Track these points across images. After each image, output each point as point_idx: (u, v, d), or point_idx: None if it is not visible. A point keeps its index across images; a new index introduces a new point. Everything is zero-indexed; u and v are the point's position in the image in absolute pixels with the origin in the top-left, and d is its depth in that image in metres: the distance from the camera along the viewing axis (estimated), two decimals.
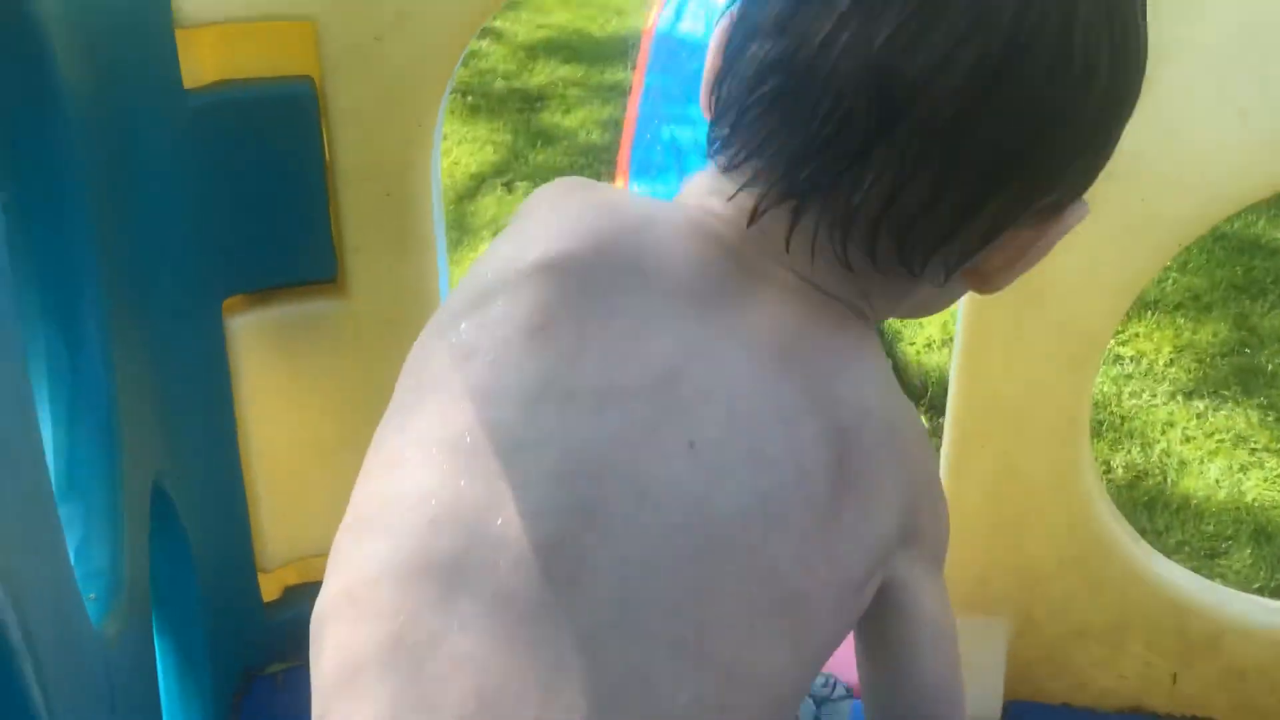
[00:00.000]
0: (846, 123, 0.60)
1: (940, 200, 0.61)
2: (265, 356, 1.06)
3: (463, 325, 0.65)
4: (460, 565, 0.57)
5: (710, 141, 0.68)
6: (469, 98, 4.12)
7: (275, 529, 1.14)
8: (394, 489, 0.63)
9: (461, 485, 0.59)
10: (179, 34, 0.93)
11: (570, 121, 3.92)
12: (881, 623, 0.69)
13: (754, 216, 0.64)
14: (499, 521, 0.57)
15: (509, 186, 3.56)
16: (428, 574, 0.58)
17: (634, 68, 4.37)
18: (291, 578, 1.20)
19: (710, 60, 0.68)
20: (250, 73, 0.99)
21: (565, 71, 4.28)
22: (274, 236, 1.02)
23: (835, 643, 0.65)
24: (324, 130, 1.02)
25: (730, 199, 0.65)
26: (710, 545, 0.58)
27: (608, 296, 0.63)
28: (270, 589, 1.19)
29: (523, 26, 4.71)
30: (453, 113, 3.99)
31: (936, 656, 0.70)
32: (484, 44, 4.53)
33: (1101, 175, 0.65)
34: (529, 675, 0.55)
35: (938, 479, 0.73)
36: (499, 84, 4.22)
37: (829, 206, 0.63)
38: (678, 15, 4.76)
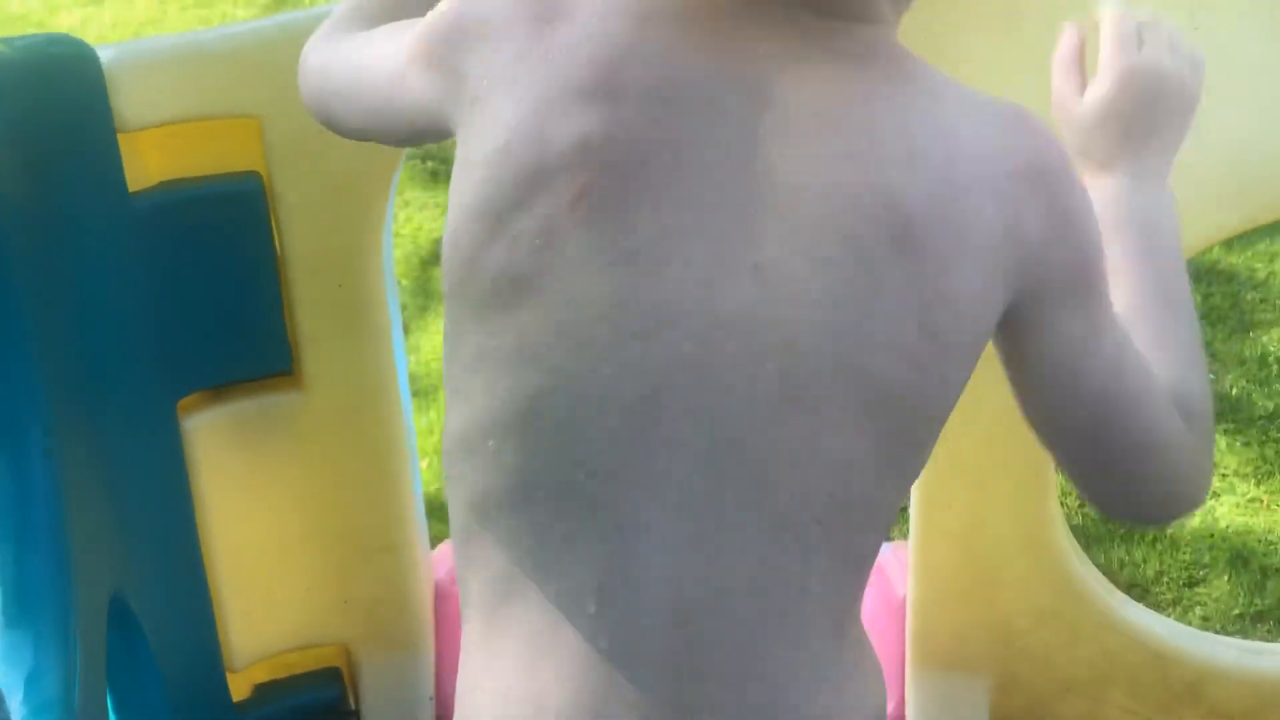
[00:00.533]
0: None
1: None
2: (224, 453, 1.05)
3: (503, 229, 0.64)
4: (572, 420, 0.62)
5: None
6: (429, 163, 4.11)
7: (242, 628, 1.12)
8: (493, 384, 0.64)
9: (557, 362, 0.62)
10: (122, 138, 0.92)
11: None
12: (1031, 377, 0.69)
13: None
14: (602, 379, 0.61)
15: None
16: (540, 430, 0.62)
17: None
18: (261, 675, 1.19)
19: None
20: (196, 171, 0.99)
21: None
22: (228, 332, 1.02)
23: (940, 425, 0.68)
24: (274, 224, 1.02)
25: None
26: (795, 360, 0.61)
27: (631, 137, 0.62)
28: (240, 688, 1.17)
29: None
30: (414, 179, 3.98)
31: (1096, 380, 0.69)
32: None
33: None
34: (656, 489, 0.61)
35: (1053, 184, 0.67)
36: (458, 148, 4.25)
37: None
38: None
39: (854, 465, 0.63)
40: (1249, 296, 3.17)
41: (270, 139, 0.97)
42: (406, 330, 1.79)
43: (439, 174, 4.11)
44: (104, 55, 0.91)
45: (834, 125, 0.63)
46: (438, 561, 1.30)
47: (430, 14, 0.70)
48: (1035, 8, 0.94)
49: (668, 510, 0.62)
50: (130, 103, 0.93)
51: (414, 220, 3.74)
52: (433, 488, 2.48)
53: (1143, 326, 0.75)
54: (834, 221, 0.61)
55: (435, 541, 1.53)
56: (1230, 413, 2.78)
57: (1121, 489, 0.73)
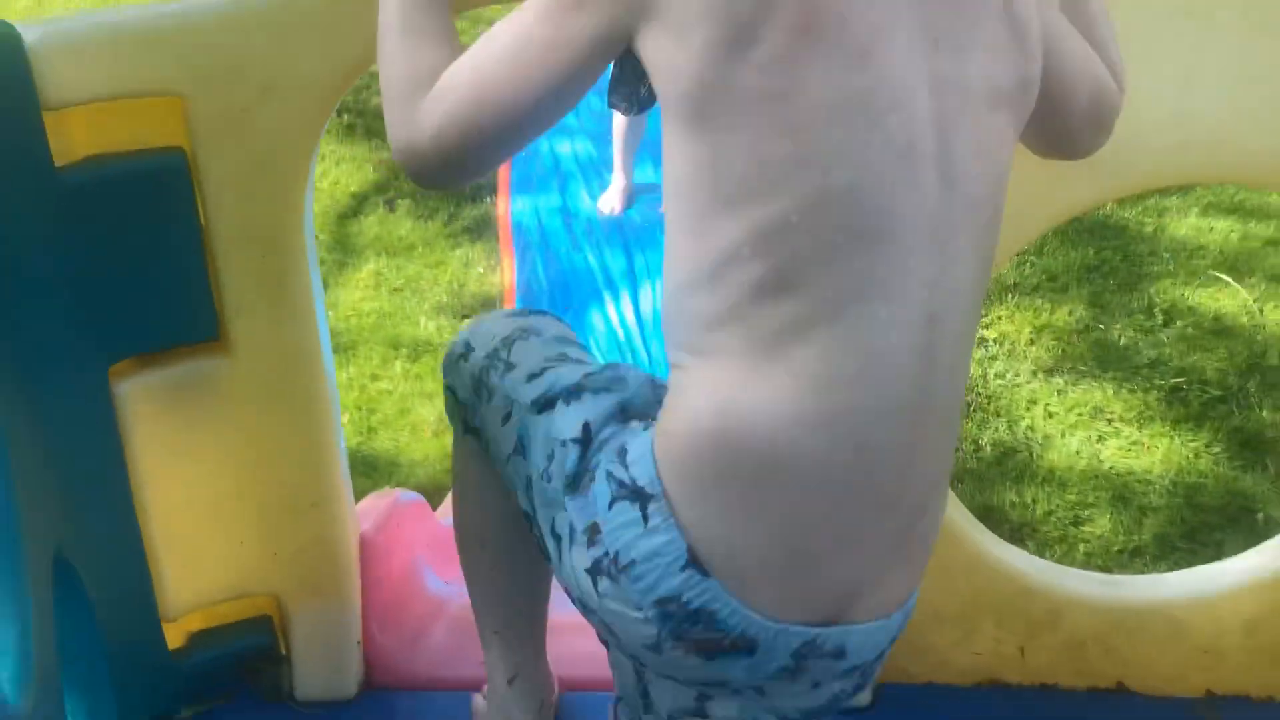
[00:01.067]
0: None
1: None
2: (156, 417, 1.10)
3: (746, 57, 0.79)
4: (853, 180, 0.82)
5: None
6: (345, 116, 4.09)
7: (177, 580, 1.17)
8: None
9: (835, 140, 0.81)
10: (47, 115, 0.96)
11: None
12: None
13: None
14: (874, 145, 0.81)
15: (390, 205, 3.56)
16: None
17: None
18: (196, 624, 1.24)
19: None
20: (121, 146, 1.02)
21: None
22: (156, 302, 1.06)
23: None
24: (198, 198, 1.06)
25: None
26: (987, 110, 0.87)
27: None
28: (175, 636, 1.22)
29: None
30: (330, 133, 3.96)
31: None
32: None
33: None
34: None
35: None
36: (375, 101, 4.19)
37: None
38: None
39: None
40: (1138, 249, 3.32)
41: (193, 116, 1.01)
42: (325, 286, 1.84)
43: (355, 127, 4.10)
44: (28, 35, 0.94)
45: None
46: (361, 514, 1.36)
47: None
48: None
49: (922, 235, 0.84)
50: (55, 81, 0.96)
51: (330, 174, 3.74)
52: (353, 442, 2.54)
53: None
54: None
55: (358, 496, 1.60)
56: (1117, 361, 2.92)
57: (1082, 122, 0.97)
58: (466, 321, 3.04)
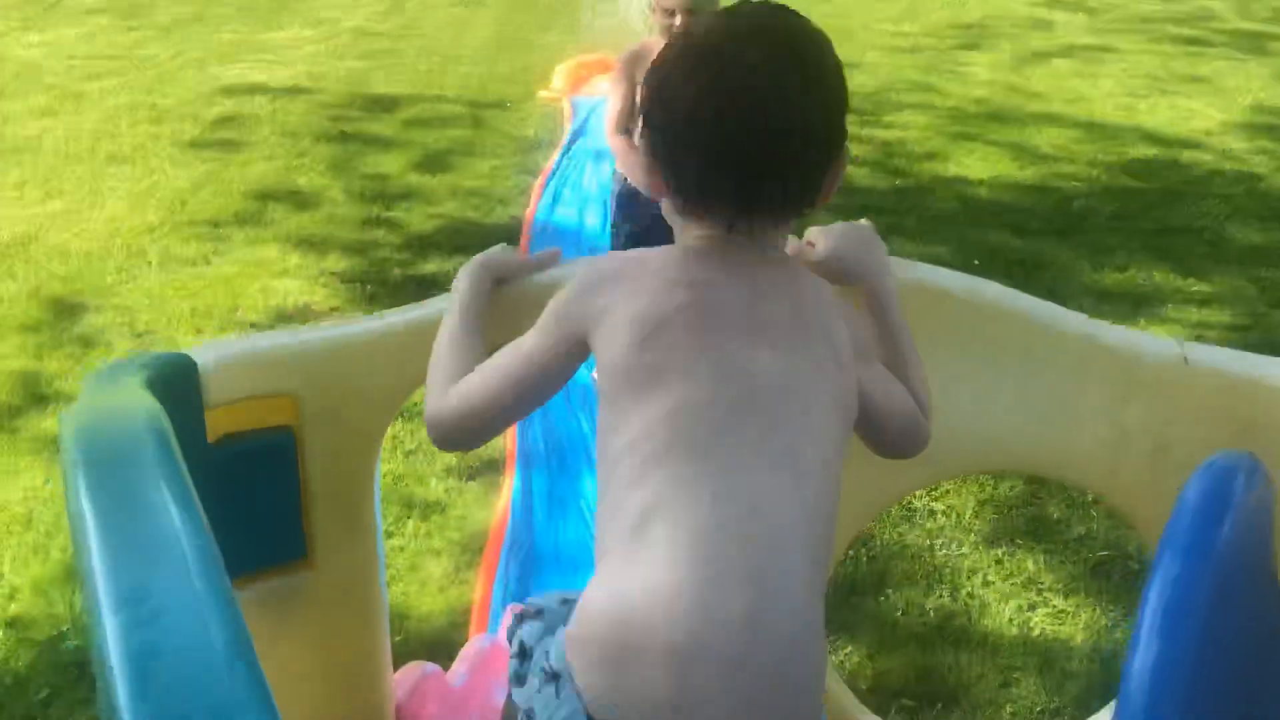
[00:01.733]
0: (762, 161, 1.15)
1: (810, 180, 1.19)
2: (257, 618, 1.49)
3: (641, 357, 1.16)
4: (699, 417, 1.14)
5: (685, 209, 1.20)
6: (368, 287, 4.51)
7: None
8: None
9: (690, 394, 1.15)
10: (207, 412, 1.39)
11: None
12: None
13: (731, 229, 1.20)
14: (716, 397, 1.14)
15: None
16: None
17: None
18: None
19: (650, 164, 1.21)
20: (250, 426, 1.45)
21: (456, 259, 4.61)
22: (266, 534, 1.47)
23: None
24: (300, 461, 1.49)
25: (719, 227, 1.21)
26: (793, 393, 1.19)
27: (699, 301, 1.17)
28: None
29: (415, 216, 5.16)
30: (351, 301, 4.40)
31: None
32: (379, 234, 4.98)
33: None
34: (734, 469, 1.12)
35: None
36: (395, 272, 4.62)
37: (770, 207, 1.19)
38: (554, 202, 5.32)
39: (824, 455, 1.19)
40: None
41: (303, 408, 1.45)
42: None
43: (376, 296, 4.47)
44: (199, 358, 1.38)
45: (783, 285, 1.20)
46: (397, 683, 1.75)
47: (555, 303, 1.25)
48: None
49: (747, 456, 1.11)
50: (214, 389, 1.40)
51: None
52: (397, 587, 2.86)
53: (905, 371, 1.35)
54: (796, 326, 1.19)
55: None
56: (1050, 535, 3.28)
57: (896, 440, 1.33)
58: (472, 484, 3.39)
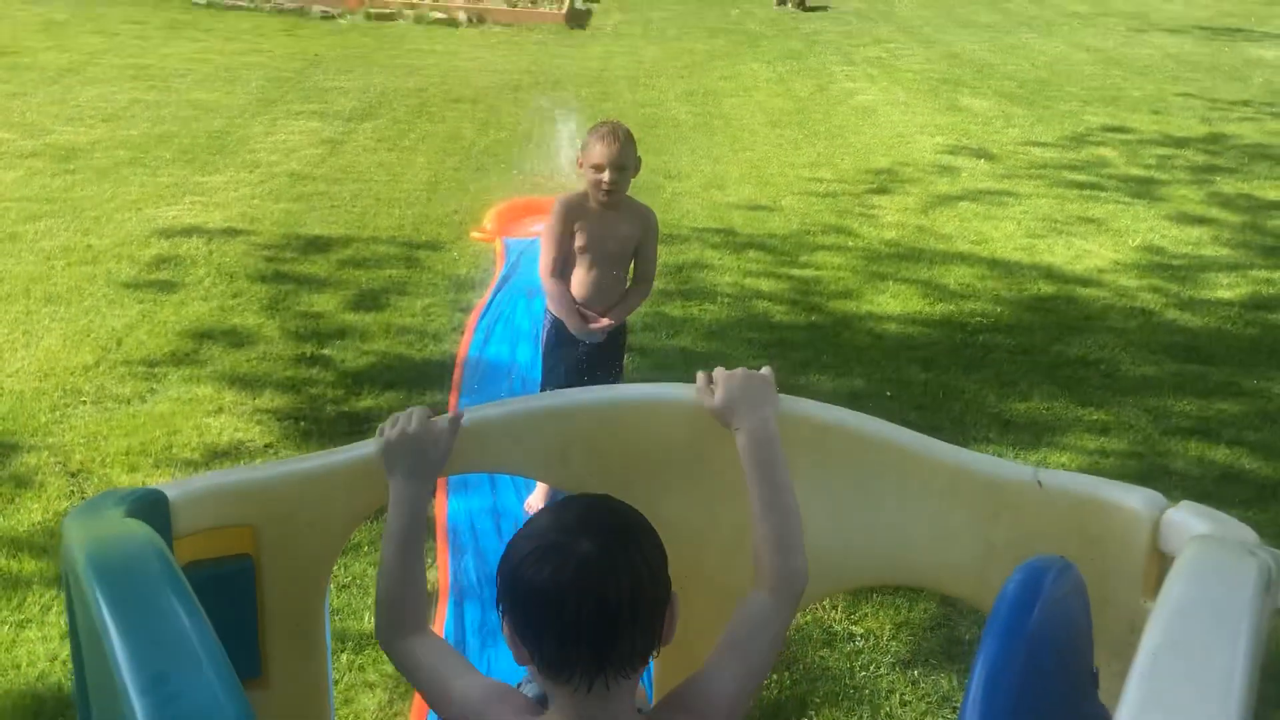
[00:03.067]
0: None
1: (651, 633, 1.38)
2: None
3: None
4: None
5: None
6: (302, 423, 4.60)
7: None
8: None
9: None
10: (175, 542, 1.52)
11: None
12: None
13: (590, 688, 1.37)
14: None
15: None
16: None
17: (450, 389, 4.99)
18: None
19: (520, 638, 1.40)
20: (211, 554, 1.58)
21: (388, 396, 4.77)
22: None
23: None
24: (258, 586, 1.62)
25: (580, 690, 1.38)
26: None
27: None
28: None
29: (349, 353, 5.29)
30: (286, 437, 4.49)
31: None
32: (314, 372, 5.09)
33: None
34: None
35: None
36: (329, 409, 4.70)
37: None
38: (487, 339, 5.51)
39: None
40: None
41: (260, 537, 1.59)
42: None
43: (311, 433, 4.56)
44: (169, 493, 1.52)
45: None
46: None
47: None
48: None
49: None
50: (180, 520, 1.54)
51: None
52: None
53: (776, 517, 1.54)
54: None
55: None
56: (963, 654, 3.41)
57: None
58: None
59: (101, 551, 1.16)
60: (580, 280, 3.89)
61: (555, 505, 1.46)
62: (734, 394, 1.62)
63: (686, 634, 1.69)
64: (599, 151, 3.71)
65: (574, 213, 3.84)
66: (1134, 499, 1.51)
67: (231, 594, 1.58)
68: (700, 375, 1.67)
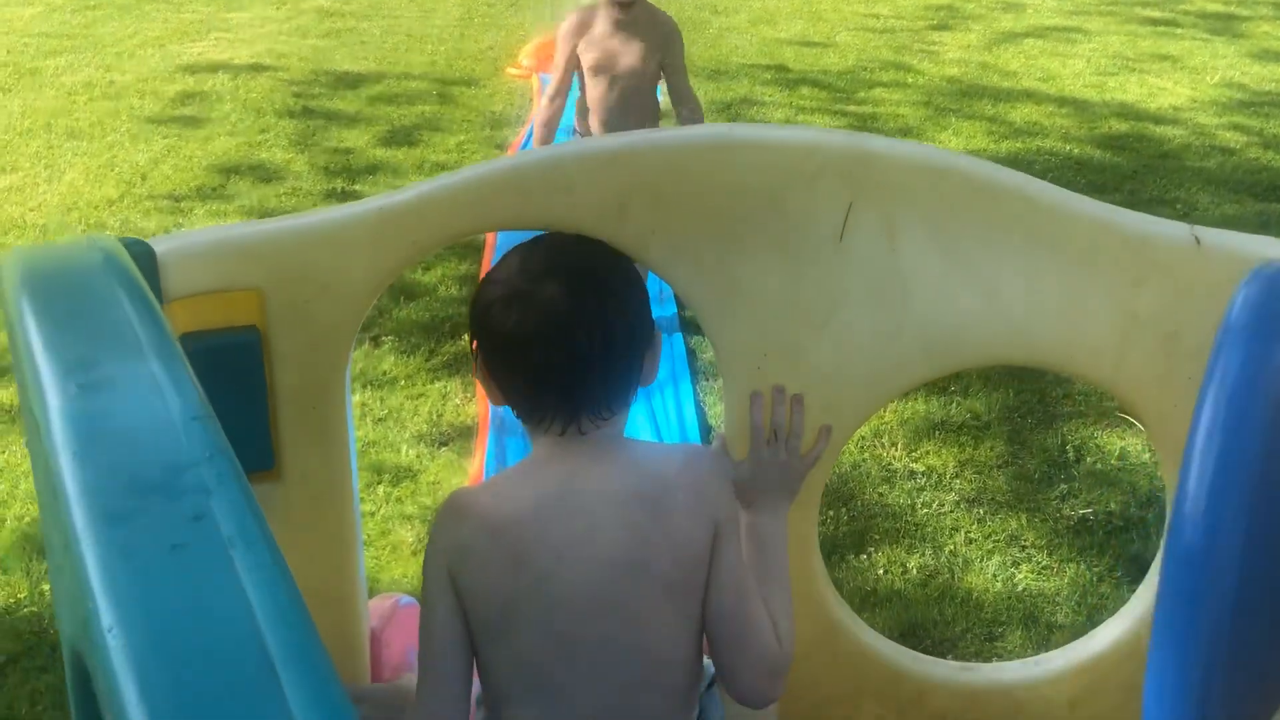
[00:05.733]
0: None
1: (624, 378, 1.30)
2: None
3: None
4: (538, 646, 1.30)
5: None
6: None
7: None
8: None
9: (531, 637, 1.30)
10: (165, 307, 1.30)
11: (429, 278, 4.23)
12: None
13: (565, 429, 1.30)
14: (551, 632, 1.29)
15: (375, 341, 3.85)
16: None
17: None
18: None
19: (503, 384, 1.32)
20: (213, 325, 1.36)
21: None
22: (231, 442, 1.38)
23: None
24: (267, 363, 1.40)
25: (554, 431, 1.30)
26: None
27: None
28: None
29: (380, 189, 5.05)
30: None
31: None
32: None
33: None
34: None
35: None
36: None
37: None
38: None
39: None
40: (1053, 392, 3.67)
41: (269, 305, 1.36)
42: None
43: None
44: (157, 247, 1.29)
45: (615, 471, 1.31)
46: (371, 611, 1.67)
47: (425, 568, 1.31)
48: None
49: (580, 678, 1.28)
50: (172, 280, 1.31)
51: None
52: (368, 552, 2.80)
53: (766, 590, 1.37)
54: (622, 508, 1.28)
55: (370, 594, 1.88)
56: (1031, 493, 3.25)
57: (730, 673, 1.33)
58: (444, 450, 3.33)
59: (42, 263, 0.92)
60: (598, 102, 3.60)
61: (525, 244, 1.37)
62: (764, 484, 1.50)
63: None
64: None
65: (582, 27, 3.53)
66: None
67: (236, 371, 1.37)
68: (719, 439, 1.56)
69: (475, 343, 1.34)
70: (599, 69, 3.55)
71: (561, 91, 3.66)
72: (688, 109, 3.69)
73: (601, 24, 3.52)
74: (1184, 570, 0.84)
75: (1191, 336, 1.29)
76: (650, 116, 3.70)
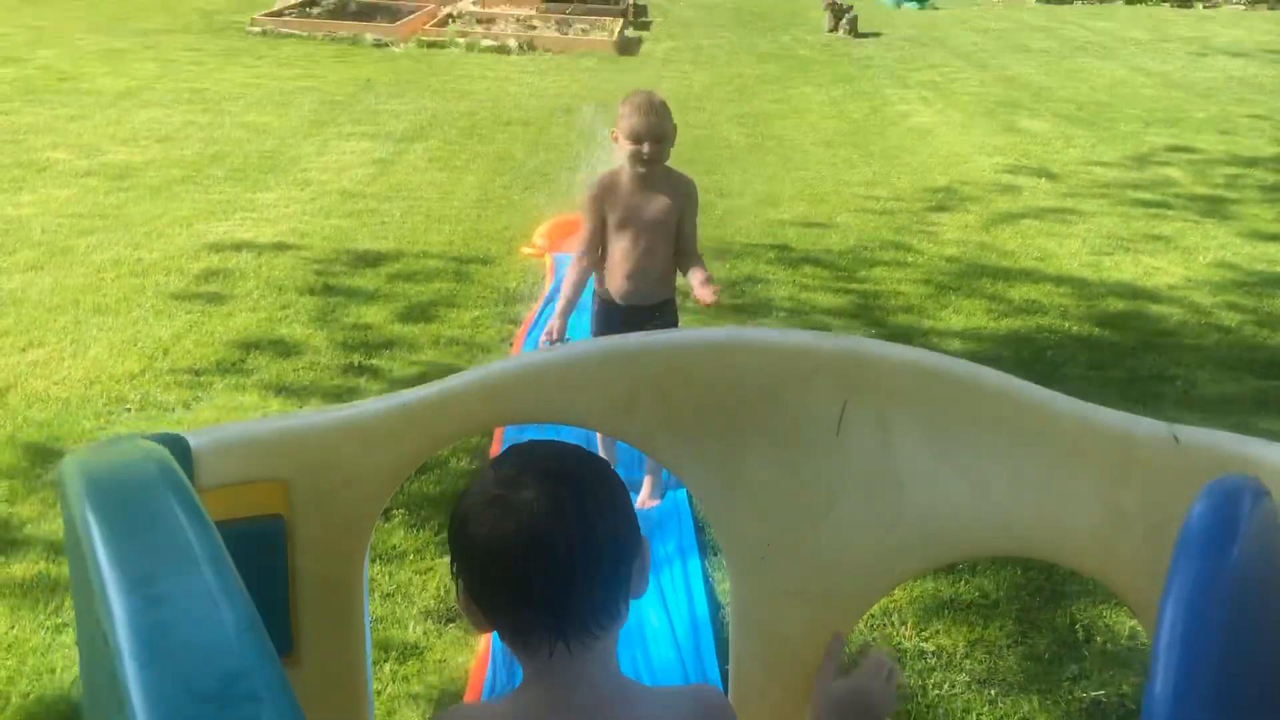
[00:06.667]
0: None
1: (611, 590, 1.25)
2: None
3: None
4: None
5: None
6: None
7: None
8: None
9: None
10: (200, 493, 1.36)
11: (441, 452, 4.30)
12: None
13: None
14: None
15: (386, 515, 3.88)
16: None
17: None
18: None
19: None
20: (240, 514, 1.43)
21: None
22: None
23: None
24: (290, 550, 1.46)
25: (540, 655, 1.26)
26: None
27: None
28: None
29: (397, 363, 5.18)
30: None
31: None
32: (361, 381, 4.98)
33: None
34: None
35: None
36: None
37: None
38: (535, 350, 5.38)
39: None
40: (1060, 570, 3.67)
41: (293, 495, 1.43)
42: None
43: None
44: (192, 441, 1.37)
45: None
46: None
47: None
48: None
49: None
50: (204, 472, 1.38)
51: None
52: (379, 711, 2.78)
53: None
54: None
55: None
56: (1043, 674, 3.23)
57: None
58: (451, 626, 3.33)
59: (102, 474, 0.99)
60: (620, 257, 3.77)
61: (497, 457, 1.34)
62: (844, 711, 1.48)
63: (771, 612, 1.51)
64: (637, 123, 3.59)
65: (607, 189, 3.73)
66: None
67: (261, 557, 1.42)
68: (832, 652, 1.52)
69: (454, 568, 1.31)
70: (625, 223, 3.73)
71: (591, 250, 3.82)
72: (698, 262, 3.85)
73: (626, 183, 3.71)
74: None
75: (1175, 529, 1.35)
76: (671, 268, 3.87)
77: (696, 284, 3.74)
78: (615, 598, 1.27)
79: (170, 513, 0.87)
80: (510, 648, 1.28)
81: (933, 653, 3.30)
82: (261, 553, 1.43)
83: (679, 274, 3.93)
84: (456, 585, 1.30)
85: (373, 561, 3.63)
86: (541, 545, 1.21)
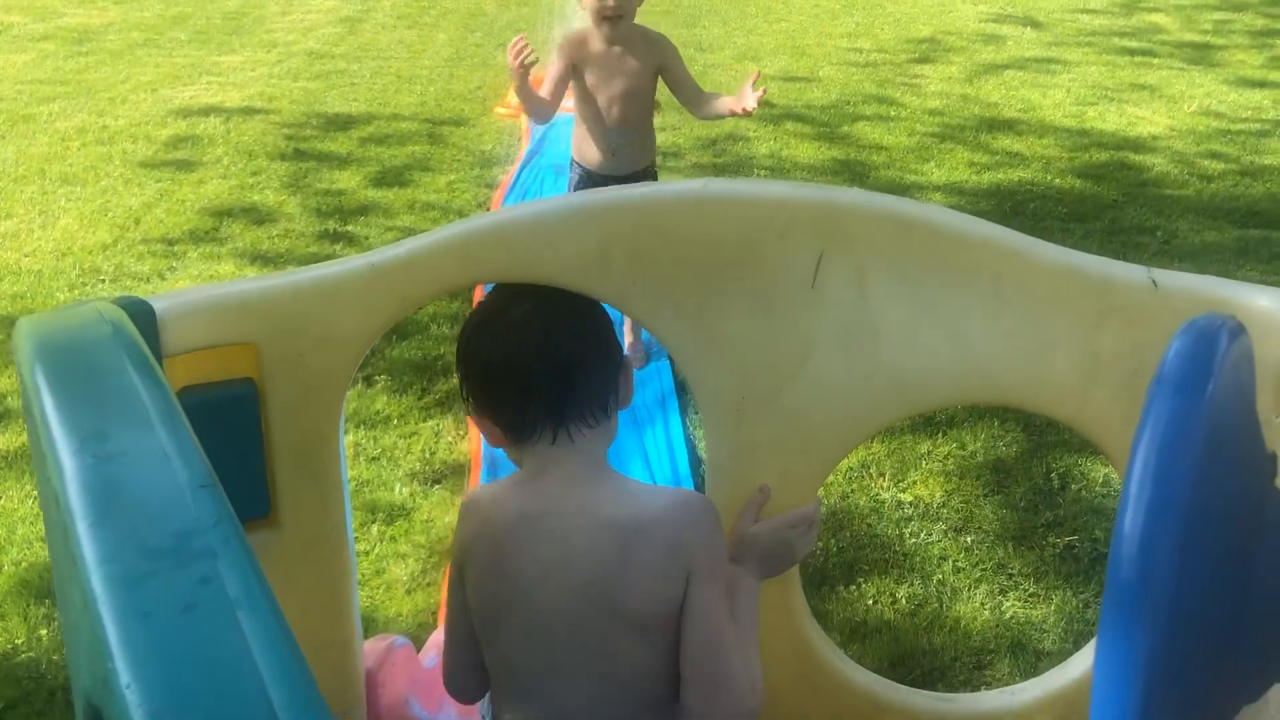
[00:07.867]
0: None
1: (602, 392, 1.37)
2: None
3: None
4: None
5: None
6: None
7: None
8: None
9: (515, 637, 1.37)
10: (164, 362, 1.34)
11: (421, 317, 4.22)
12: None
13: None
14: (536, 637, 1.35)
15: (368, 381, 3.87)
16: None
17: None
18: None
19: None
20: (210, 378, 1.41)
21: None
22: (229, 490, 1.43)
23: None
24: (262, 414, 1.44)
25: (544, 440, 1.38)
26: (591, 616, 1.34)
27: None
28: None
29: (373, 229, 5.11)
30: None
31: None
32: (337, 248, 4.92)
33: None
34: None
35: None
36: None
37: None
38: None
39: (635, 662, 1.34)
40: (1036, 420, 3.71)
41: (264, 358, 1.40)
42: None
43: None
44: (156, 305, 1.34)
45: (596, 499, 1.36)
46: (366, 653, 1.71)
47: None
48: None
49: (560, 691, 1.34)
50: (170, 337, 1.35)
51: None
52: (362, 591, 2.83)
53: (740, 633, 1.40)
54: (592, 539, 1.32)
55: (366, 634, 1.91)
56: (1018, 522, 3.28)
57: (703, 703, 1.34)
58: (437, 488, 3.36)
59: (53, 335, 0.97)
60: (594, 123, 3.65)
61: (489, 292, 1.47)
62: (763, 545, 1.54)
63: (747, 464, 1.52)
64: None
65: (575, 49, 3.58)
66: (1265, 299, 1.29)
67: (233, 423, 1.41)
68: (752, 504, 1.58)
69: (464, 388, 1.41)
70: (597, 88, 3.60)
71: (555, 95, 3.63)
72: (707, 97, 3.67)
73: (596, 44, 3.57)
74: (1121, 607, 0.89)
75: (1152, 374, 1.34)
76: (650, 130, 3.75)
77: (734, 103, 3.54)
78: (606, 395, 1.40)
79: (123, 372, 0.85)
80: (517, 447, 1.40)
81: (910, 503, 3.34)
82: (234, 416, 1.42)
83: (713, 112, 3.67)
84: (466, 401, 1.42)
85: (357, 427, 3.64)
86: (540, 347, 1.36)
